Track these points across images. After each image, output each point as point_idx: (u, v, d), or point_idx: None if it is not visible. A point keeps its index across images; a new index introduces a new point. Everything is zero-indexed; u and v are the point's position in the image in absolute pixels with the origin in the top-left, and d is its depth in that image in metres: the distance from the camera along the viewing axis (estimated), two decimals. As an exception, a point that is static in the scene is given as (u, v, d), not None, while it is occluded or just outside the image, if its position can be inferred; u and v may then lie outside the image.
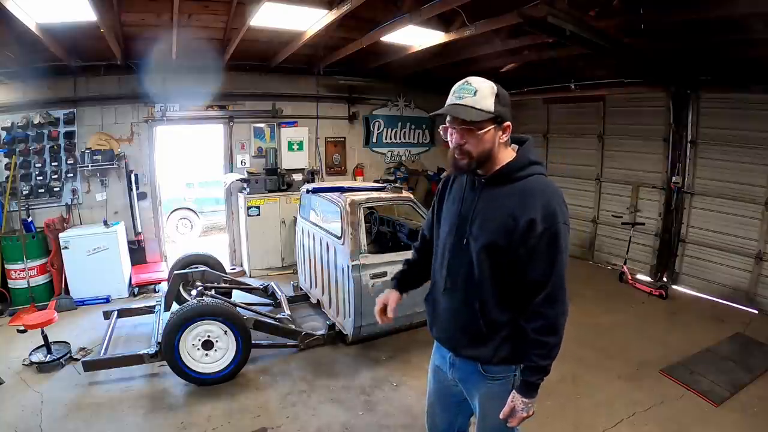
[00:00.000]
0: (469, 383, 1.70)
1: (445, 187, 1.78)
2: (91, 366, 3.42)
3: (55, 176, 5.36)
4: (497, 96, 1.45)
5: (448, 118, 1.51)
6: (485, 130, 1.45)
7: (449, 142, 1.54)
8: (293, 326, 3.99)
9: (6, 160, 5.09)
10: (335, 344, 4.07)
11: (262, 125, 6.53)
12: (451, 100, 1.49)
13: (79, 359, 3.63)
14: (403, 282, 1.94)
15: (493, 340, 1.57)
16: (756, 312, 4.87)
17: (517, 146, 1.59)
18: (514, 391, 1.56)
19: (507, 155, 1.54)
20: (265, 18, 4.09)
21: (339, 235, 3.92)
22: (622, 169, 6.34)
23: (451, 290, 1.64)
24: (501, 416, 1.57)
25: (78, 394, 3.31)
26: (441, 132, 1.57)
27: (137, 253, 5.83)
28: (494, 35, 4.81)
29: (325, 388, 3.42)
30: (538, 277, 1.47)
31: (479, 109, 1.43)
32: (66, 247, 4.94)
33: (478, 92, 1.44)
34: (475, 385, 1.68)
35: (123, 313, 4.42)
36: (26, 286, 4.87)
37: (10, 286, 4.92)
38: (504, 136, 1.50)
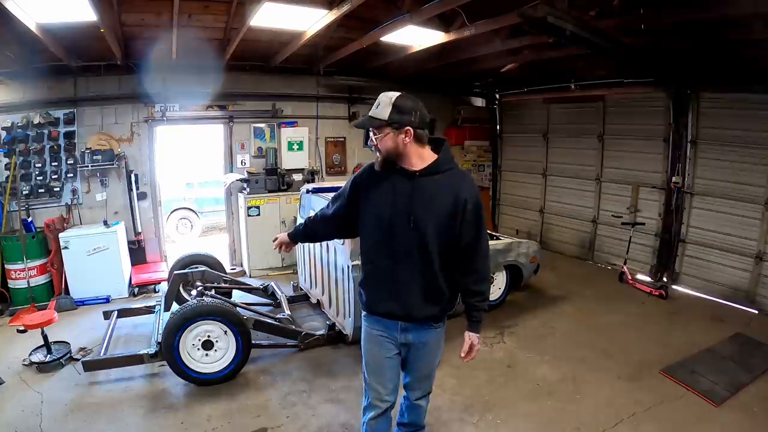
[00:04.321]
0: (421, 337, 2.05)
1: (369, 180, 2.02)
2: (91, 366, 3.43)
3: (55, 176, 5.36)
4: (394, 106, 1.83)
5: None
6: (384, 133, 1.87)
7: None
8: (293, 326, 3.99)
9: (6, 160, 5.09)
10: (335, 344, 4.06)
11: (262, 125, 6.53)
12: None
13: (79, 359, 3.63)
14: (296, 236, 2.45)
15: (445, 296, 2.00)
16: (756, 312, 4.87)
17: (430, 146, 1.95)
18: (467, 331, 2.06)
19: (426, 153, 1.93)
20: (265, 18, 4.09)
21: (339, 235, 3.91)
22: (622, 169, 6.34)
23: (405, 264, 1.94)
24: (462, 354, 2.07)
25: (78, 394, 3.31)
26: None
27: (137, 253, 5.83)
28: (494, 35, 4.81)
29: (325, 388, 3.42)
30: (471, 240, 1.94)
31: (377, 118, 1.86)
32: (66, 247, 4.95)
33: (379, 105, 1.88)
34: (425, 336, 2.05)
35: (123, 313, 4.42)
36: (26, 286, 4.87)
37: (10, 286, 4.92)
38: (407, 138, 1.85)
